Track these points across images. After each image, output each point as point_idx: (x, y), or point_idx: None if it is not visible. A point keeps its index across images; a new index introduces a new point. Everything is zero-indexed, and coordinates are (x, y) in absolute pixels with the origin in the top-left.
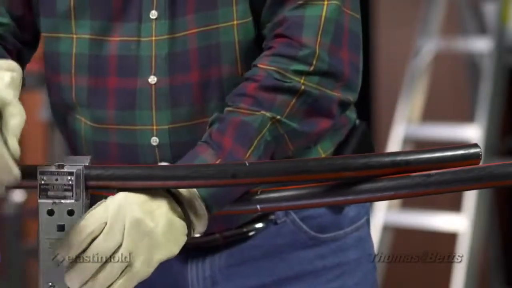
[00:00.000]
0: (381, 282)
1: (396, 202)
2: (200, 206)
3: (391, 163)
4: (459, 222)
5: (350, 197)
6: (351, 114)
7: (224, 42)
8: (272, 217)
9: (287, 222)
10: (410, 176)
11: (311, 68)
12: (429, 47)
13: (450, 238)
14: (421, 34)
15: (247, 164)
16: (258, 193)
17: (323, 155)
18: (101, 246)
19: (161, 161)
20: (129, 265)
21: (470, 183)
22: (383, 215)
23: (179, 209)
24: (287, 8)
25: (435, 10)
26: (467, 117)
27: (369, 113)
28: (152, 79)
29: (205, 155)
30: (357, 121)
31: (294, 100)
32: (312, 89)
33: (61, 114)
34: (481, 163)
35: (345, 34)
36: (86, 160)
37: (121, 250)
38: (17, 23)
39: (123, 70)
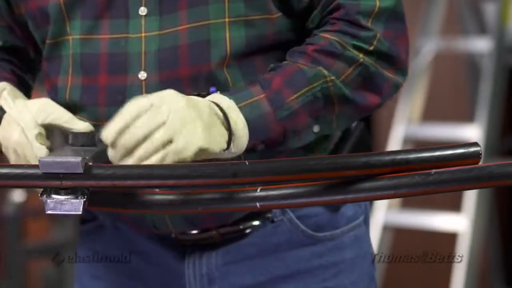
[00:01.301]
0: (381, 282)
1: (396, 201)
2: (242, 123)
3: (391, 162)
4: (459, 222)
5: (350, 196)
6: None
7: (214, 39)
8: (269, 215)
9: (284, 221)
10: (410, 175)
11: (371, 48)
12: (429, 47)
13: (450, 238)
14: (421, 34)
15: (247, 164)
16: (258, 190)
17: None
18: (145, 123)
19: None
20: (170, 142)
21: (470, 182)
22: (383, 215)
23: (222, 115)
24: None
25: (435, 10)
26: (467, 117)
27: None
28: (142, 75)
29: (252, 89)
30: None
31: (351, 70)
32: (369, 64)
33: None
34: (481, 163)
35: (402, 22)
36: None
37: (164, 128)
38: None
39: (113, 67)
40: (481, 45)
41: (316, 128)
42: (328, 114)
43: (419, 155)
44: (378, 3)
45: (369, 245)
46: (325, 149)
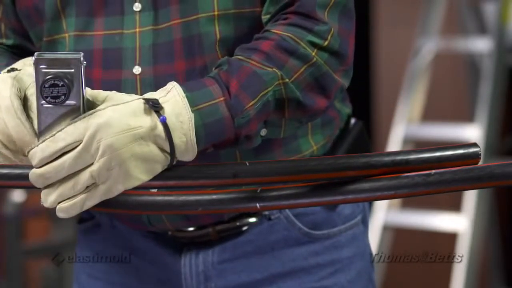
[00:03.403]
0: (381, 282)
1: (396, 202)
2: (186, 144)
3: (391, 162)
4: (459, 222)
5: (350, 196)
6: (342, 107)
7: (205, 33)
8: (266, 212)
9: (280, 218)
10: (410, 176)
11: (325, 43)
12: (429, 47)
13: (450, 238)
14: (421, 34)
15: (248, 164)
16: (258, 191)
17: (314, 147)
18: (69, 163)
19: None
20: (94, 184)
21: (470, 183)
22: (383, 215)
23: (163, 135)
24: None
25: (435, 10)
26: (467, 117)
27: (369, 113)
28: (137, 69)
29: (211, 88)
30: (353, 120)
31: (303, 68)
32: (321, 64)
33: None
34: (481, 163)
35: (352, 19)
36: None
37: (89, 170)
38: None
39: (107, 63)
40: (481, 45)
41: (263, 132)
42: (278, 118)
43: (419, 155)
44: None
45: (367, 244)
46: (319, 142)
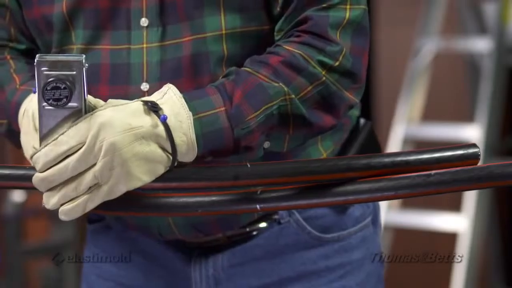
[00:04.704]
0: None
1: (396, 202)
2: (187, 145)
3: (391, 163)
4: (459, 222)
5: (350, 197)
6: (352, 112)
7: (212, 51)
8: (276, 216)
9: (290, 222)
10: (410, 176)
11: (336, 64)
12: (429, 47)
13: (450, 238)
14: (421, 34)
15: (249, 166)
16: (258, 192)
17: (324, 154)
18: (73, 165)
19: None
20: (97, 185)
21: (470, 183)
22: (383, 215)
23: (164, 134)
24: (310, 9)
25: (435, 10)
26: (467, 117)
27: (369, 113)
28: (145, 86)
29: (212, 98)
30: (362, 120)
31: (311, 87)
32: (330, 84)
33: None
34: (481, 163)
35: (366, 36)
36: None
37: (92, 171)
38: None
39: (115, 78)
40: (481, 45)
41: (266, 145)
42: (281, 133)
43: (419, 156)
44: (347, 15)
45: (377, 245)
46: (328, 149)
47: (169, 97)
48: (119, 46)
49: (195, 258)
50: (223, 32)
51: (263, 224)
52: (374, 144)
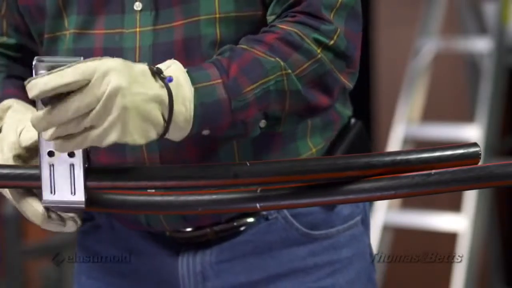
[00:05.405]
0: (381, 282)
1: (396, 202)
2: (185, 116)
3: (391, 162)
4: (459, 222)
5: (350, 196)
6: (344, 110)
7: (205, 34)
8: (264, 212)
9: (278, 219)
10: (410, 176)
11: (331, 42)
12: (429, 47)
13: (450, 238)
14: (421, 34)
15: (248, 164)
16: (258, 191)
17: (313, 150)
18: (74, 104)
19: (149, 153)
20: (91, 127)
21: (470, 183)
22: (383, 215)
23: (166, 100)
24: None
25: (435, 10)
26: (467, 117)
27: (369, 113)
28: None
29: (209, 71)
30: (353, 120)
31: (307, 64)
32: (326, 62)
33: None
34: (481, 163)
35: (359, 22)
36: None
37: (91, 115)
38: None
39: None
40: (481, 45)
41: (262, 123)
42: (278, 109)
43: (419, 155)
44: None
45: (367, 245)
46: (318, 145)
47: (174, 70)
48: (112, 31)
49: (182, 254)
50: (217, 16)
51: (250, 219)
52: (365, 144)
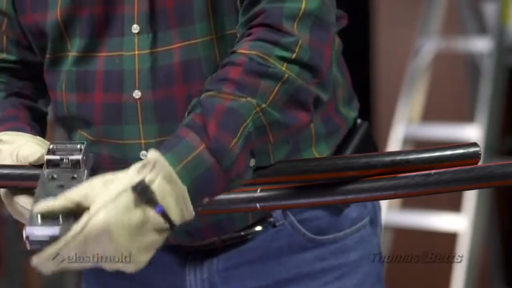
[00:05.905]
0: None
1: (396, 202)
2: (184, 206)
3: (391, 163)
4: (459, 222)
5: (350, 196)
6: (349, 112)
7: (204, 56)
8: (271, 219)
9: (285, 225)
10: (410, 176)
11: (293, 56)
12: (429, 47)
13: (450, 238)
14: (421, 34)
15: None
16: (258, 191)
17: None
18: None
19: None
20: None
21: (470, 183)
22: (383, 215)
23: (162, 221)
24: (265, 1)
25: (435, 10)
26: (467, 117)
27: (369, 113)
28: (137, 94)
29: (188, 138)
30: (359, 121)
31: (277, 88)
32: (293, 79)
33: (63, 126)
34: (481, 163)
35: (327, 30)
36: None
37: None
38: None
39: (108, 85)
40: (481, 45)
41: (252, 163)
42: (263, 145)
43: (419, 155)
44: (303, 6)
45: (375, 245)
46: (324, 153)
47: (157, 172)
48: (113, 53)
49: (190, 262)
50: (214, 36)
51: (258, 228)
52: (371, 145)
